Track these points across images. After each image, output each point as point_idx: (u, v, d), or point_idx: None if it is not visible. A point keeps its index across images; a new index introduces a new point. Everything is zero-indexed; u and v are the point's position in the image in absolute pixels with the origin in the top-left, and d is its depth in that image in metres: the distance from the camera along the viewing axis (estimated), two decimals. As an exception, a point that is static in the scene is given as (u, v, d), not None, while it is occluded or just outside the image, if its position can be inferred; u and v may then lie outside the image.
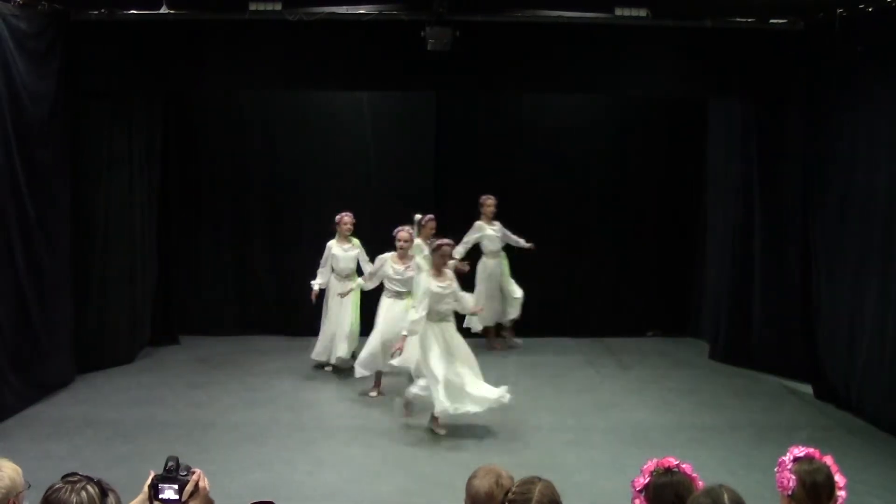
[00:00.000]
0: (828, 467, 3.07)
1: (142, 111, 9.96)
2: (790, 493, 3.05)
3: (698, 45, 9.05)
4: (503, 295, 10.27)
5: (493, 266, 10.26)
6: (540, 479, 2.94)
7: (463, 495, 3.08)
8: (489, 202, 10.21)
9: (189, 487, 2.78)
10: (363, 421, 7.97)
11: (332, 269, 9.33)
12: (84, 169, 9.12)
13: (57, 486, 2.65)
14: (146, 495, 2.82)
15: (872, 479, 6.44)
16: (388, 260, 8.62)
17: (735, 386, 9.18)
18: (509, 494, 2.92)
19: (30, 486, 2.89)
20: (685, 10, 8.68)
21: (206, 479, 2.84)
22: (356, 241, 9.41)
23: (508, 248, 10.35)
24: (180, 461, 2.83)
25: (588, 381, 9.33)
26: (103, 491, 2.67)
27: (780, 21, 8.89)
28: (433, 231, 9.42)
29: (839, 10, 8.08)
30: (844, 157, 8.32)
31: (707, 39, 8.97)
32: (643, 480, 2.99)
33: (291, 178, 11.13)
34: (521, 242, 10.24)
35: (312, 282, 9.30)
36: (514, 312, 10.28)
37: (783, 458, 3.13)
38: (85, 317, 9.20)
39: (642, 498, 2.97)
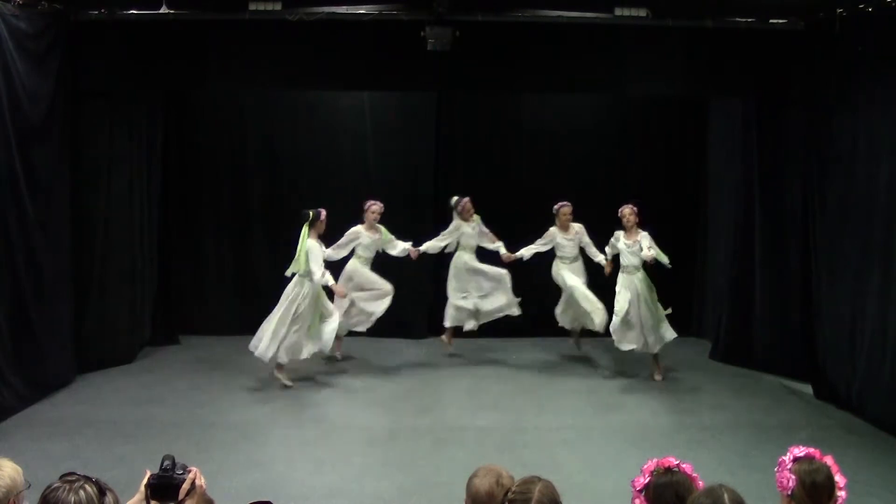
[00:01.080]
0: (828, 467, 3.08)
1: (142, 111, 9.96)
2: (790, 492, 3.05)
3: (698, 45, 9.05)
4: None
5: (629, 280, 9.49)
6: (540, 479, 2.94)
7: (463, 495, 3.08)
8: (627, 211, 9.42)
9: (185, 486, 2.78)
10: (363, 421, 7.97)
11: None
12: (84, 169, 9.12)
13: (55, 485, 2.65)
14: (143, 494, 2.82)
15: (872, 479, 6.44)
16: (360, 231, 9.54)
17: (735, 386, 9.18)
18: (509, 494, 2.92)
19: (30, 485, 2.89)
20: (685, 10, 8.68)
21: (202, 478, 2.84)
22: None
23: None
24: (176, 460, 2.82)
25: (588, 381, 9.33)
26: (101, 490, 2.67)
27: (780, 21, 8.89)
28: (567, 218, 9.84)
29: (839, 10, 8.08)
30: (845, 157, 8.31)
31: (707, 39, 8.97)
32: (643, 480, 2.99)
33: (291, 177, 11.13)
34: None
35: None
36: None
37: (783, 457, 3.13)
38: (85, 317, 9.20)
39: (642, 498, 2.97)
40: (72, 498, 2.61)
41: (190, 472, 2.82)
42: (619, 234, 9.55)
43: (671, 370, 9.72)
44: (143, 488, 2.80)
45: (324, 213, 8.97)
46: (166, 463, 2.80)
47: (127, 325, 9.79)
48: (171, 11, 8.46)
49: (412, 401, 8.59)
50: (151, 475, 2.80)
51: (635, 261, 9.37)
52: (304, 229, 8.88)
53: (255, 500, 3.19)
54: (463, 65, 8.95)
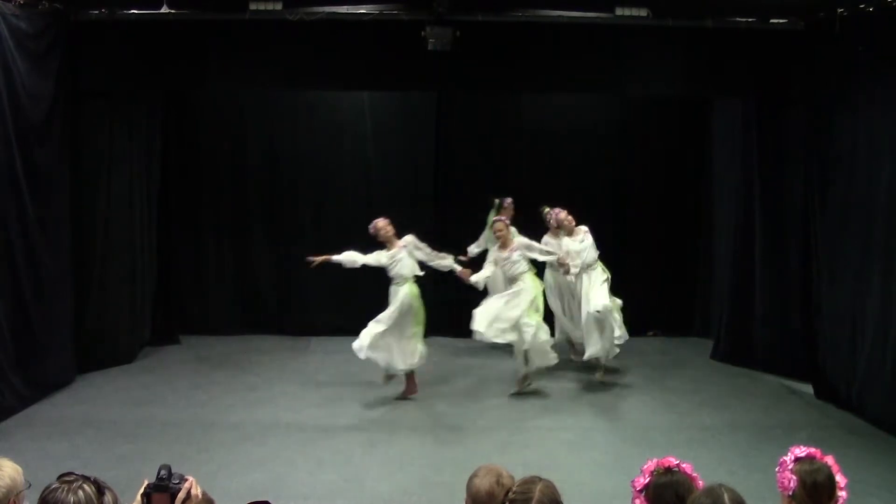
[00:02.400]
0: (829, 467, 3.07)
1: (142, 111, 9.97)
2: (791, 493, 3.04)
3: (699, 45, 9.05)
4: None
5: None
6: (540, 479, 2.94)
7: (463, 495, 3.08)
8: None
9: (181, 495, 2.77)
10: (363, 421, 7.97)
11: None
12: (84, 169, 9.13)
13: (53, 485, 2.65)
14: (140, 503, 2.81)
15: (872, 479, 6.44)
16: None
17: (735, 386, 9.18)
18: (510, 494, 2.92)
19: (30, 485, 2.89)
20: (685, 10, 8.68)
21: (198, 487, 2.83)
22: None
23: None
24: (173, 470, 2.82)
25: (588, 381, 9.32)
26: (100, 490, 2.67)
27: (781, 21, 8.89)
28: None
29: (839, 10, 8.08)
30: (845, 157, 8.31)
31: (707, 39, 8.96)
32: (643, 480, 2.99)
33: (291, 177, 11.13)
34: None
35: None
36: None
37: (784, 458, 3.13)
38: (85, 317, 9.20)
39: (642, 498, 2.97)
40: (71, 498, 2.60)
41: (186, 480, 2.81)
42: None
43: (671, 370, 9.73)
44: (139, 498, 2.80)
45: (508, 200, 9.78)
46: (162, 472, 2.80)
47: (127, 325, 9.79)
48: (172, 11, 8.46)
49: (412, 401, 8.58)
50: (148, 484, 2.80)
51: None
52: (490, 215, 9.62)
53: (255, 500, 3.18)
54: (463, 65, 8.94)
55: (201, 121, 11.11)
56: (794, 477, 3.03)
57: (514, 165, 11.23)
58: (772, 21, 8.89)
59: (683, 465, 3.01)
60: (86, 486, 2.65)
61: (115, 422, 7.71)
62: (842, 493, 3.05)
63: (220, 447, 7.14)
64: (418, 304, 8.51)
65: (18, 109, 7.87)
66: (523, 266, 8.75)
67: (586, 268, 9.10)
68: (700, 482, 2.96)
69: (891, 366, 7.56)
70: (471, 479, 3.07)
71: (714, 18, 8.75)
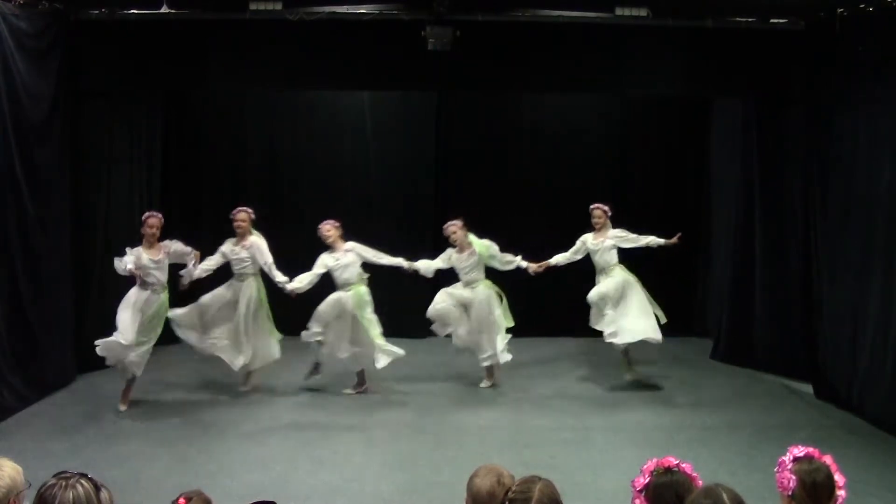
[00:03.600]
0: (827, 467, 3.07)
1: (142, 111, 9.98)
2: (790, 493, 3.04)
3: (699, 45, 9.05)
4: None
5: None
6: (540, 479, 2.93)
7: (463, 495, 3.08)
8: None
9: None
10: (363, 421, 7.97)
11: None
12: (84, 169, 9.13)
13: (50, 483, 2.66)
14: None
15: (872, 479, 6.43)
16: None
17: (735, 385, 9.18)
18: (510, 493, 2.92)
19: (30, 485, 2.89)
20: (685, 10, 8.68)
21: None
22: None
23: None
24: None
25: (588, 381, 9.33)
26: (96, 487, 2.67)
27: (781, 21, 8.89)
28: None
29: (839, 10, 8.08)
30: (845, 157, 8.32)
31: (708, 39, 8.97)
32: (643, 480, 2.99)
33: (291, 177, 11.14)
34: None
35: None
36: None
37: (783, 457, 3.12)
38: (85, 317, 9.20)
39: (642, 498, 2.96)
40: (70, 494, 2.60)
41: None
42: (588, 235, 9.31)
43: (671, 370, 9.73)
44: None
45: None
46: None
47: (127, 324, 9.77)
48: (172, 11, 8.47)
49: (412, 401, 8.59)
50: None
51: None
52: None
53: (256, 500, 3.18)
54: (463, 65, 8.95)
55: (201, 121, 11.12)
56: (794, 477, 3.03)
57: (515, 166, 11.24)
58: (772, 21, 8.90)
59: (683, 465, 3.00)
60: (83, 482, 2.65)
61: (115, 421, 7.72)
62: (841, 493, 3.05)
63: (220, 447, 7.14)
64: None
65: (18, 109, 7.88)
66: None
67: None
68: (700, 482, 2.96)
69: (891, 366, 7.56)
70: (471, 478, 3.07)
71: (714, 18, 8.75)
